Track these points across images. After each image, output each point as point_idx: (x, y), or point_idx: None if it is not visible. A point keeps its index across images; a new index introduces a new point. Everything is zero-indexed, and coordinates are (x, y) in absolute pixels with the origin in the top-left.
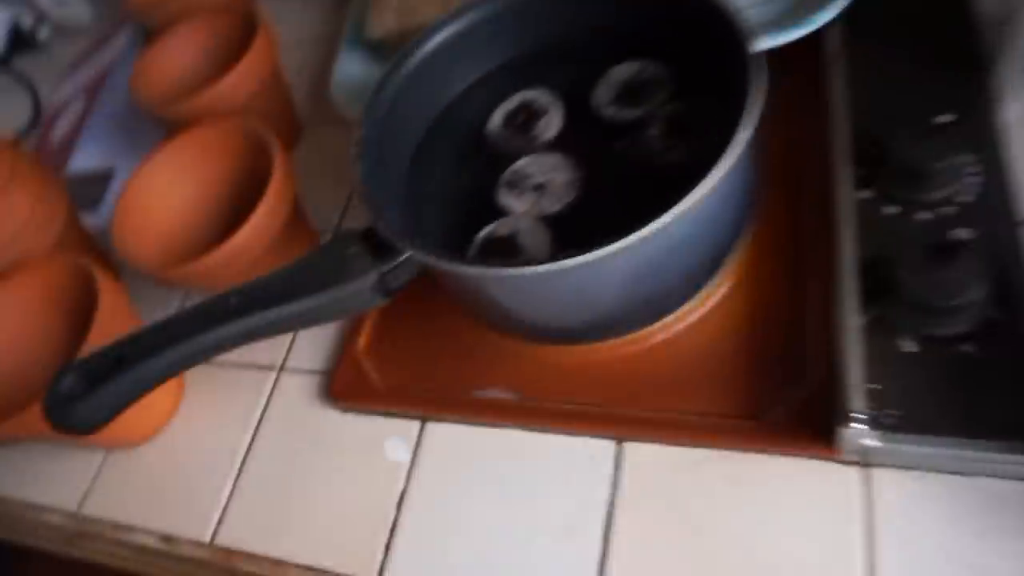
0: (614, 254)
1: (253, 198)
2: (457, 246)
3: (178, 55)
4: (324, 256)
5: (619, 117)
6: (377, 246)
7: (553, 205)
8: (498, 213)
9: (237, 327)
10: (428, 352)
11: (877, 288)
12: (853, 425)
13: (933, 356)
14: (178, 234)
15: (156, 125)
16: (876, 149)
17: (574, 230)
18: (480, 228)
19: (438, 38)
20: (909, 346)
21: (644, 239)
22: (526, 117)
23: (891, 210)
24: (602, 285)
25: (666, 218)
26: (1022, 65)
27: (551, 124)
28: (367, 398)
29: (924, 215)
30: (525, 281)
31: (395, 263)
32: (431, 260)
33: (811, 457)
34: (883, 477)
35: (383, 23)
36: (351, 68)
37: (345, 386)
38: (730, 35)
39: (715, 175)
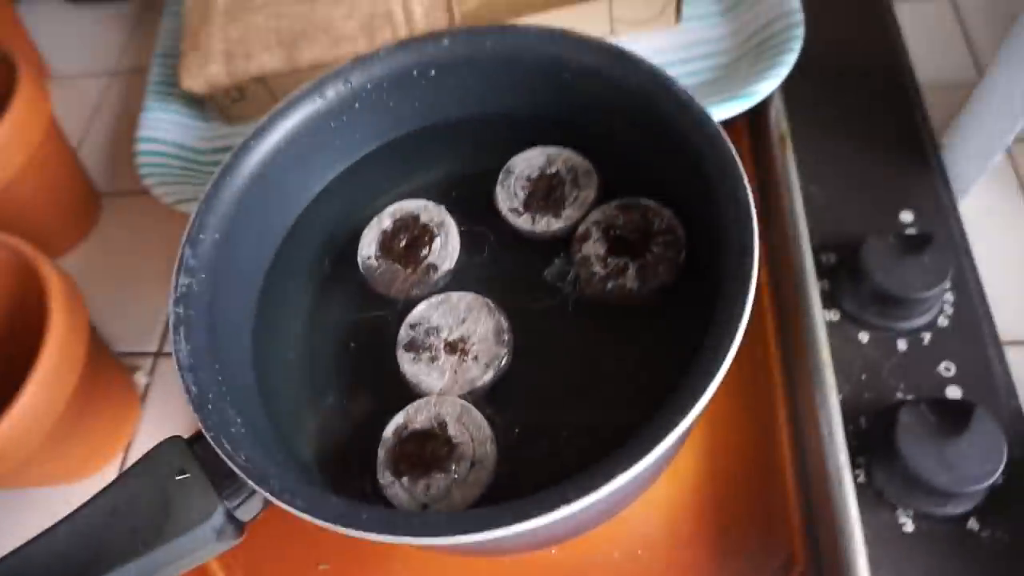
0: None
1: (20, 351)
2: (343, 453)
3: None
4: (135, 493)
5: (538, 231)
6: (216, 464)
7: (483, 374)
8: (397, 385)
9: None
10: (308, 547)
11: (865, 446)
12: None
13: (935, 536)
14: None
15: None
16: (843, 259)
17: (516, 404)
18: (371, 411)
19: (288, 123)
20: (909, 525)
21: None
22: (410, 240)
23: (863, 337)
24: (557, 523)
25: (649, 458)
26: (974, 152)
27: (448, 246)
28: None
29: (902, 344)
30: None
31: (247, 495)
32: (327, 523)
33: None
34: None
35: (205, 72)
36: (162, 130)
37: None
38: (705, 146)
39: (708, 394)
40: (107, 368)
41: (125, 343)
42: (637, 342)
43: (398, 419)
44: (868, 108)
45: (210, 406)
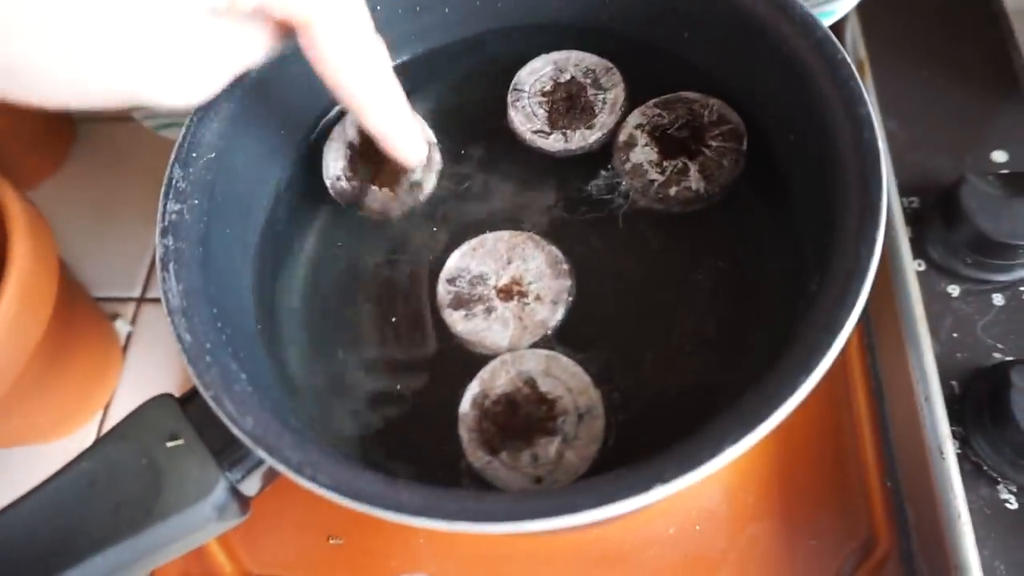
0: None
1: None
2: (396, 436)
3: None
4: (117, 463)
5: (574, 147)
6: (215, 428)
7: (553, 312)
8: (452, 344)
9: None
10: (317, 517)
11: (961, 413)
12: None
13: None
14: None
15: None
16: (927, 203)
17: (595, 340)
18: (411, 366)
19: None
20: (1013, 502)
21: None
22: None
23: (953, 289)
24: None
25: (748, 440)
26: None
27: (432, 160)
28: None
29: (998, 299)
30: None
31: (254, 465)
32: (360, 504)
33: None
34: None
35: None
36: None
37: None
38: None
39: (806, 386)
40: (83, 314)
41: (104, 287)
42: (709, 247)
43: (473, 388)
44: (951, 36)
45: (208, 358)
